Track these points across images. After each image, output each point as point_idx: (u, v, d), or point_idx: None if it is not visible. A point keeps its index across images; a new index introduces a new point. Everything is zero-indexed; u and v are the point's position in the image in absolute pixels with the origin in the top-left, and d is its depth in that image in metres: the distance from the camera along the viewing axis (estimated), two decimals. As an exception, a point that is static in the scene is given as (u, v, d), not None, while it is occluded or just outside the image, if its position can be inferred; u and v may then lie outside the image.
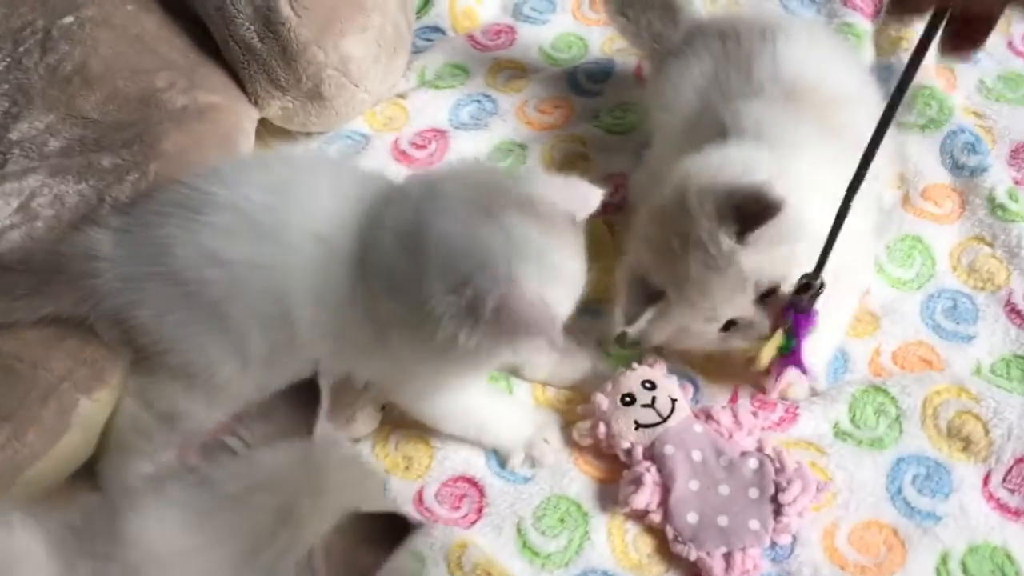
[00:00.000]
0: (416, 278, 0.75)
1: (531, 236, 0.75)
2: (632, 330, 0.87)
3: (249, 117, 1.12)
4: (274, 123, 1.17)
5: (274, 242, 0.80)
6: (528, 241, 0.75)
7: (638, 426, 0.92)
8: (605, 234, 1.09)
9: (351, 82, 1.13)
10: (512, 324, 0.73)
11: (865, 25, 1.32)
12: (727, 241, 0.81)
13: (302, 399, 0.67)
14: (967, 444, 0.92)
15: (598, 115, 1.24)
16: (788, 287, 0.86)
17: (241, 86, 1.13)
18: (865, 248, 1.00)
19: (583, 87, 1.29)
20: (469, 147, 1.20)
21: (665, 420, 0.92)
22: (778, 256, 0.83)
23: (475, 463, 0.94)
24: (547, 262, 0.76)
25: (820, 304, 0.87)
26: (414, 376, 0.86)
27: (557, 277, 0.77)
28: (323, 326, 0.81)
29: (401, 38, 1.20)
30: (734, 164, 0.85)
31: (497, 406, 0.95)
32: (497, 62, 1.32)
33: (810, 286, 0.84)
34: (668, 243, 0.84)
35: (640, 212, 0.94)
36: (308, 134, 1.21)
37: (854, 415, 0.95)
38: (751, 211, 0.80)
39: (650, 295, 0.86)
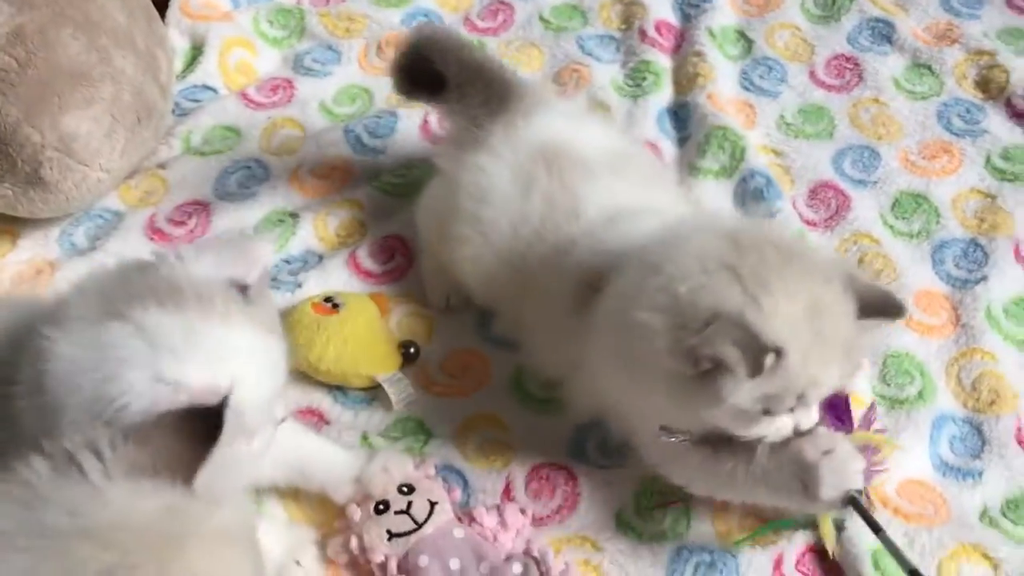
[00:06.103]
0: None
1: (179, 324, 0.63)
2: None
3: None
4: (1, 211, 1.05)
5: None
6: (176, 331, 0.63)
7: (391, 536, 0.83)
8: (384, 304, 1.00)
9: (78, 162, 1.00)
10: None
11: (664, 62, 1.26)
12: None
13: (195, 431, 0.56)
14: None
15: (379, 175, 1.15)
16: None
17: (-47, 173, 1.00)
18: None
19: (365, 144, 1.19)
20: (234, 221, 1.09)
21: (421, 526, 0.83)
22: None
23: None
24: (212, 347, 0.64)
25: None
26: None
27: (227, 358, 0.65)
28: None
29: (148, 105, 1.08)
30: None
31: None
32: (273, 122, 1.21)
33: None
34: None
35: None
36: (49, 219, 1.08)
37: (638, 504, 0.87)
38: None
39: None
